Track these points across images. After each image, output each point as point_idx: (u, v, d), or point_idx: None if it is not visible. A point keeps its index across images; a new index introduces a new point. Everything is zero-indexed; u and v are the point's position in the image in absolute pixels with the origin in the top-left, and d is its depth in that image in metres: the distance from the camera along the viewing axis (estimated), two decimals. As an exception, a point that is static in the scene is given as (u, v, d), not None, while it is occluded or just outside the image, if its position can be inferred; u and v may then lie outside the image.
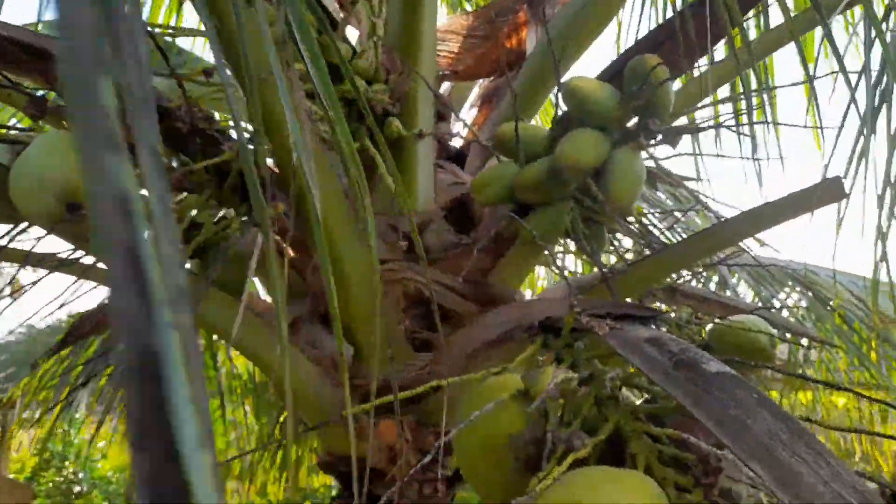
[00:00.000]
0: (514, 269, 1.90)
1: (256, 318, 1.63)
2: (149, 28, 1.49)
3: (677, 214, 2.74)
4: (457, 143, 2.24)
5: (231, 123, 1.60)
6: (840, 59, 1.25)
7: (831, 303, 3.20)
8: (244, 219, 1.51)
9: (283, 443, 3.72)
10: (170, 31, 1.89)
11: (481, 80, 2.54)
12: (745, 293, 3.49)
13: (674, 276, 2.42)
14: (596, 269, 1.55)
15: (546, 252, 1.93)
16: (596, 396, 1.19)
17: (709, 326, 2.36)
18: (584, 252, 1.57)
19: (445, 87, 2.56)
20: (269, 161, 1.53)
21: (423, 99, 1.69)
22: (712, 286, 3.04)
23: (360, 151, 1.68)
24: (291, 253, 1.85)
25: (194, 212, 1.40)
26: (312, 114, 1.39)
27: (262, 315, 1.67)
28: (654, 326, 1.21)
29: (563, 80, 1.53)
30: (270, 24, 1.41)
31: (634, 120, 1.53)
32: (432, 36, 1.64)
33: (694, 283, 2.58)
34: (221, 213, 1.50)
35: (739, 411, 0.92)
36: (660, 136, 1.54)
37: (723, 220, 1.50)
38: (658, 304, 2.22)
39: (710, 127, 1.50)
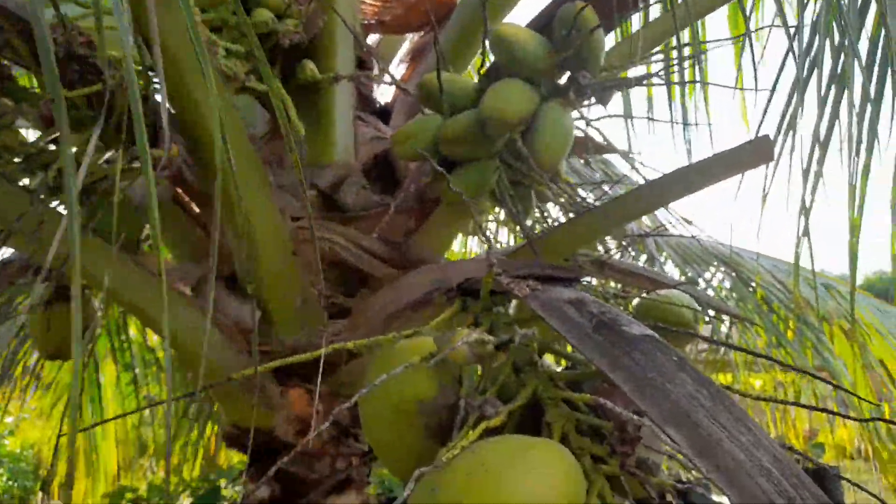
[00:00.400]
0: (438, 231, 1.80)
1: (151, 278, 1.47)
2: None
3: (605, 188, 2.71)
4: (383, 99, 2.11)
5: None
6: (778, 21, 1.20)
7: (753, 283, 3.28)
8: (134, 163, 1.34)
9: (195, 419, 3.54)
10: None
11: (412, 35, 2.41)
12: (673, 272, 3.52)
13: (601, 249, 2.39)
14: (522, 237, 1.47)
15: (472, 214, 1.85)
16: (514, 362, 1.11)
17: (635, 301, 2.36)
18: (509, 213, 1.48)
19: (373, 39, 2.41)
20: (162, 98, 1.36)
21: (341, 40, 1.56)
22: (641, 264, 3.04)
23: (268, 95, 1.53)
24: (195, 207, 1.68)
25: (74, 149, 1.22)
26: (214, 46, 1.23)
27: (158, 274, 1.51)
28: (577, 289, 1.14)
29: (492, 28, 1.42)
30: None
31: (566, 76, 1.45)
32: (352, -28, 1.50)
33: (622, 257, 2.56)
34: (107, 155, 1.33)
35: (658, 375, 0.86)
36: (590, 93, 1.47)
37: (650, 180, 1.44)
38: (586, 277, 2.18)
39: (640, 81, 1.43)
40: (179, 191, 1.63)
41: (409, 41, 2.44)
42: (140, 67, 1.25)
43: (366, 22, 2.21)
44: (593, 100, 1.51)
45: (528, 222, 1.71)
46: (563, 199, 1.48)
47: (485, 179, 1.50)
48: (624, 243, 2.59)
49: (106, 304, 2.13)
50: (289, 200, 1.61)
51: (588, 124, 1.49)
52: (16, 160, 1.18)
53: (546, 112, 1.37)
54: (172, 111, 1.40)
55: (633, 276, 2.44)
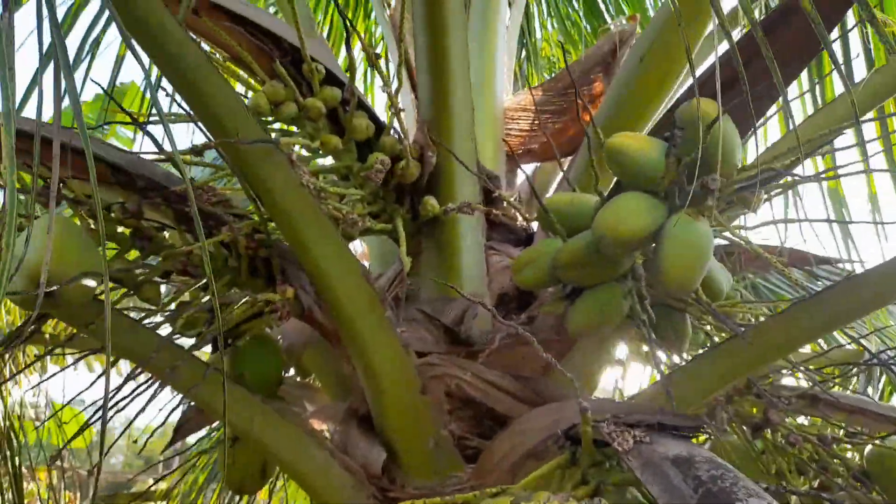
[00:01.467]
0: (581, 365, 1.62)
1: (286, 422, 1.50)
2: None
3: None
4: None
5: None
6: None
7: None
8: (268, 306, 1.42)
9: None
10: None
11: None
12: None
13: (809, 377, 1.95)
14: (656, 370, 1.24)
15: (614, 343, 1.64)
16: (617, 536, 0.89)
17: (867, 449, 1.84)
18: (647, 342, 1.27)
19: (529, 169, 2.40)
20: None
21: (462, 175, 1.55)
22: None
23: (391, 232, 1.56)
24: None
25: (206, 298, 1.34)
26: (321, 192, 1.30)
27: (290, 414, 1.54)
28: (693, 439, 0.90)
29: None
30: (281, 103, 1.38)
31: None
32: (466, 107, 1.51)
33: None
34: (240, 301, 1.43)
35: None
36: (731, 198, 1.25)
37: (851, 274, 1.14)
38: (785, 416, 1.77)
39: (791, 181, 1.18)
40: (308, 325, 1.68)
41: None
42: (258, 218, 1.35)
43: (517, 152, 2.23)
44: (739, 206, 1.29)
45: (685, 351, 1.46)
46: (709, 325, 1.23)
47: (612, 305, 1.32)
48: (846, 369, 2.09)
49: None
50: (414, 335, 1.57)
51: (732, 233, 1.25)
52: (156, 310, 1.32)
53: (671, 226, 1.19)
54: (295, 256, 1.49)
55: (863, 413, 1.94)
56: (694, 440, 1.04)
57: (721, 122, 1.16)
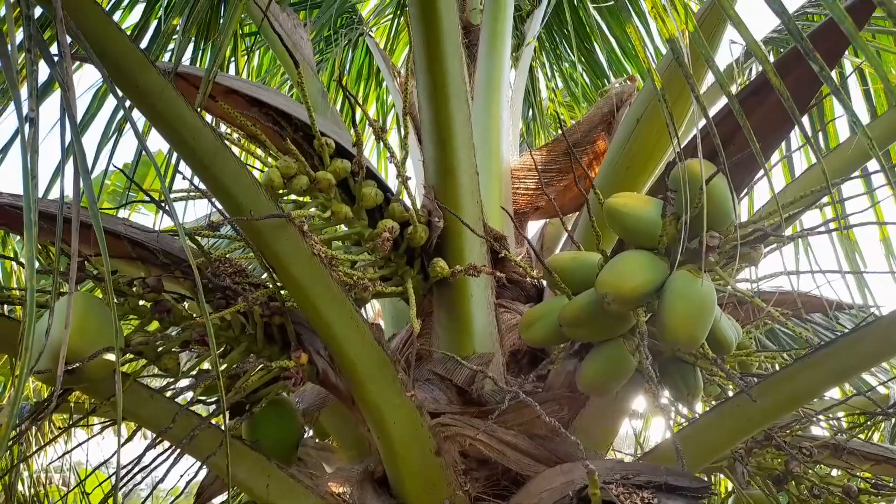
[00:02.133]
0: (595, 423, 1.62)
1: (300, 487, 1.51)
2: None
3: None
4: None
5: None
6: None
7: None
8: (283, 372, 1.45)
9: None
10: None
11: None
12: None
13: (828, 426, 1.91)
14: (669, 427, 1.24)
15: (630, 400, 1.64)
16: None
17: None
18: (655, 396, 1.28)
19: (538, 225, 2.45)
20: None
21: (469, 236, 1.59)
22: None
23: (402, 294, 1.59)
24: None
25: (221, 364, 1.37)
26: (332, 259, 1.34)
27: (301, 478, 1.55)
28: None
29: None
30: (293, 176, 1.44)
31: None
32: (470, 171, 1.57)
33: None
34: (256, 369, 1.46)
35: None
36: (731, 254, 1.28)
37: (866, 320, 1.14)
38: (808, 467, 1.73)
39: (794, 235, 1.20)
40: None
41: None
42: (270, 287, 1.40)
43: (524, 210, 2.28)
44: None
45: (698, 406, 1.46)
46: (717, 378, 1.24)
47: (620, 361, 1.34)
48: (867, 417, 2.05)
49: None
50: (427, 396, 1.59)
51: (733, 287, 1.26)
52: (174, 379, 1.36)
53: (673, 283, 1.21)
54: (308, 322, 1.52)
55: (889, 462, 1.89)
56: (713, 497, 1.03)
57: (714, 181, 1.20)
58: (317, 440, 2.27)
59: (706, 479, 0.93)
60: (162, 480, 1.34)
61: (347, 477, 1.76)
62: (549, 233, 2.41)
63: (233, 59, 2.62)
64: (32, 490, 3.30)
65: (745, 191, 1.46)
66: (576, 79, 3.22)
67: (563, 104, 3.53)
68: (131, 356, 1.36)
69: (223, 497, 3.13)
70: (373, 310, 2.96)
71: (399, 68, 2.93)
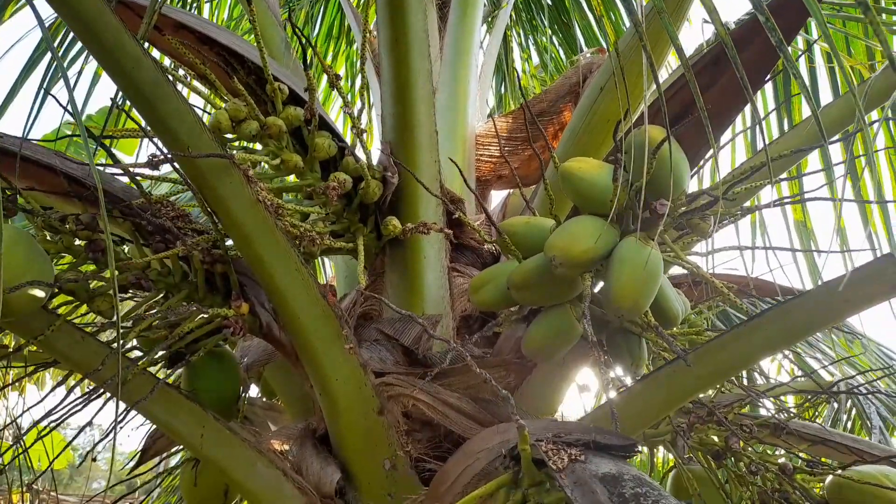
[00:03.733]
0: (541, 388, 1.62)
1: (236, 439, 1.48)
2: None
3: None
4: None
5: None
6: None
7: None
8: (223, 318, 1.40)
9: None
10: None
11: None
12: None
13: (771, 408, 1.95)
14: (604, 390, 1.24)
15: (577, 365, 1.64)
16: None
17: (829, 479, 1.84)
18: (597, 362, 1.27)
19: (502, 196, 2.42)
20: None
21: (424, 197, 1.56)
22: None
23: (353, 251, 1.56)
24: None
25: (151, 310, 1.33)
26: (278, 208, 1.30)
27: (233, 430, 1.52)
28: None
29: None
30: (243, 120, 1.39)
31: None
32: (429, 129, 1.53)
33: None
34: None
35: None
36: (682, 223, 1.27)
37: (798, 293, 1.15)
38: (748, 445, 1.76)
39: (746, 209, 1.20)
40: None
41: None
42: (214, 234, 1.35)
43: (487, 177, 2.25)
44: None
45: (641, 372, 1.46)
46: (658, 348, 1.24)
47: (566, 327, 1.33)
48: (810, 398, 2.09)
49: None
50: (374, 355, 1.57)
51: (678, 256, 1.26)
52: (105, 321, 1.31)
53: (620, 249, 1.20)
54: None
55: (825, 443, 1.94)
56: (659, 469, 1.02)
57: (669, 151, 1.18)
58: (264, 399, 2.24)
59: (633, 439, 0.93)
60: (85, 427, 1.30)
61: (289, 434, 1.74)
62: (512, 203, 2.39)
63: (195, 4, 2.52)
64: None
65: (703, 162, 1.45)
66: (550, 52, 3.19)
67: (537, 77, 3.50)
68: (63, 297, 1.31)
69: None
70: (330, 273, 2.92)
71: (371, 29, 2.86)
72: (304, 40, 1.37)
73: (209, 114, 1.39)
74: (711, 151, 1.35)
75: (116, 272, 1.30)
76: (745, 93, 0.97)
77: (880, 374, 2.39)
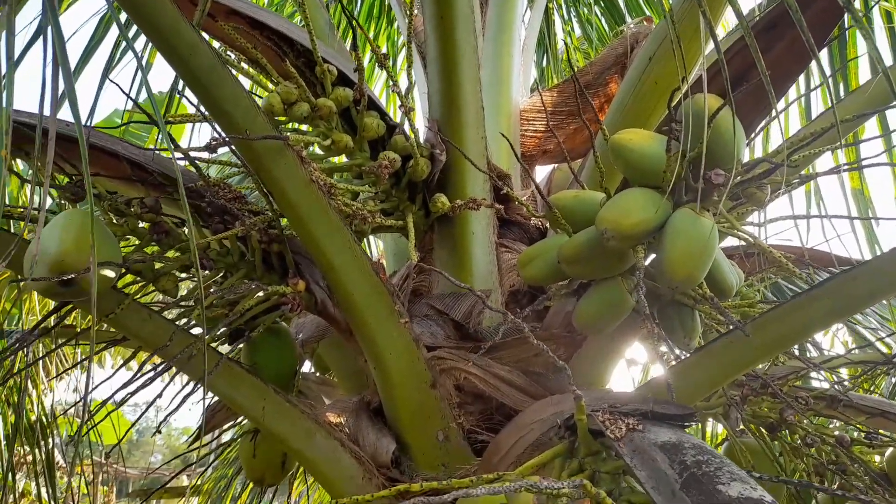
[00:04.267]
0: (591, 361, 1.62)
1: (296, 412, 1.53)
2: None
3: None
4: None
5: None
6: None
7: None
8: (279, 295, 1.45)
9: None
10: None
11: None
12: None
13: (830, 379, 1.91)
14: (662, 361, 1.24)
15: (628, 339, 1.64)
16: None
17: (888, 452, 1.80)
18: (650, 335, 1.27)
19: (546, 171, 2.41)
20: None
21: (472, 173, 1.57)
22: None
23: (403, 229, 1.58)
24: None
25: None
26: (331, 188, 1.33)
27: (300, 405, 1.57)
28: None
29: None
30: (294, 103, 1.42)
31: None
32: (475, 105, 1.53)
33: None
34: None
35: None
36: (738, 193, 1.25)
37: (857, 263, 1.13)
38: (800, 415, 1.74)
39: (802, 177, 1.17)
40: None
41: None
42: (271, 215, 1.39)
43: (532, 152, 2.24)
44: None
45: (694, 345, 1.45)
46: (711, 320, 1.23)
47: (618, 300, 1.33)
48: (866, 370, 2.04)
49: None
50: (425, 330, 1.60)
51: (737, 229, 1.24)
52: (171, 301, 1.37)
53: (674, 220, 1.19)
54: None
55: (884, 416, 1.89)
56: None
57: (724, 120, 1.16)
58: (317, 374, 2.30)
59: (691, 408, 0.93)
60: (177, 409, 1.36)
61: (344, 407, 1.79)
62: (556, 178, 2.38)
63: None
64: (44, 420, 3.36)
65: (758, 130, 1.42)
66: (594, 23, 3.13)
67: (580, 50, 3.44)
68: (130, 277, 1.37)
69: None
70: (377, 251, 2.96)
71: (413, 7, 2.86)
72: (354, 22, 1.38)
73: (260, 98, 1.42)
74: (766, 120, 1.32)
75: (178, 253, 1.36)
76: (803, 58, 0.95)
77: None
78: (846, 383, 1.85)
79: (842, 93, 2.18)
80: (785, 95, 1.47)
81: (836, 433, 1.75)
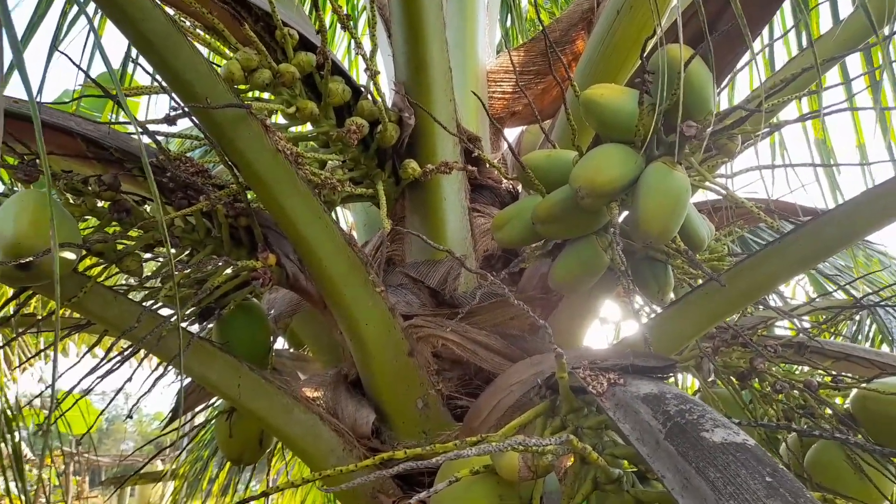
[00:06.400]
0: (568, 322, 1.63)
1: (272, 388, 1.50)
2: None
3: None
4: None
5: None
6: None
7: None
8: (248, 270, 1.41)
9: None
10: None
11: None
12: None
13: (799, 325, 1.96)
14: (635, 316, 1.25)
15: (601, 297, 1.65)
16: (594, 478, 0.91)
17: (853, 393, 1.86)
18: (625, 291, 1.28)
19: (515, 134, 2.39)
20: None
21: (441, 136, 1.54)
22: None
23: (373, 197, 1.55)
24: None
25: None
26: (298, 156, 1.29)
27: (273, 380, 1.55)
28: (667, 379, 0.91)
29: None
30: (255, 70, 1.36)
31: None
32: (443, 66, 1.50)
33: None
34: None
35: (737, 502, 0.62)
36: (709, 145, 1.25)
37: (822, 213, 1.14)
38: (769, 363, 1.78)
39: (771, 125, 1.17)
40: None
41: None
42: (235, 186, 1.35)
43: (501, 114, 2.21)
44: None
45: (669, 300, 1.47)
46: (683, 274, 1.24)
47: (593, 258, 1.33)
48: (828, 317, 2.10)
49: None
50: (400, 299, 1.58)
51: (707, 179, 1.24)
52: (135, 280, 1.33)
53: (647, 175, 1.19)
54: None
55: (848, 359, 1.95)
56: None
57: (694, 69, 1.15)
58: (292, 350, 2.28)
59: (671, 359, 0.94)
60: (129, 383, 1.33)
61: (321, 381, 1.78)
62: (526, 140, 2.36)
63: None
64: (9, 413, 3.26)
65: (727, 80, 1.42)
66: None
67: (544, 8, 3.39)
68: (91, 259, 1.32)
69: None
70: (346, 225, 2.92)
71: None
72: (312, -21, 1.32)
73: (219, 66, 1.37)
74: (744, 63, 1.31)
75: (140, 232, 1.31)
76: (769, 5, 0.94)
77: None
78: (808, 331, 1.90)
79: (804, 42, 2.20)
80: (749, 49, 1.46)
81: (804, 379, 1.80)
